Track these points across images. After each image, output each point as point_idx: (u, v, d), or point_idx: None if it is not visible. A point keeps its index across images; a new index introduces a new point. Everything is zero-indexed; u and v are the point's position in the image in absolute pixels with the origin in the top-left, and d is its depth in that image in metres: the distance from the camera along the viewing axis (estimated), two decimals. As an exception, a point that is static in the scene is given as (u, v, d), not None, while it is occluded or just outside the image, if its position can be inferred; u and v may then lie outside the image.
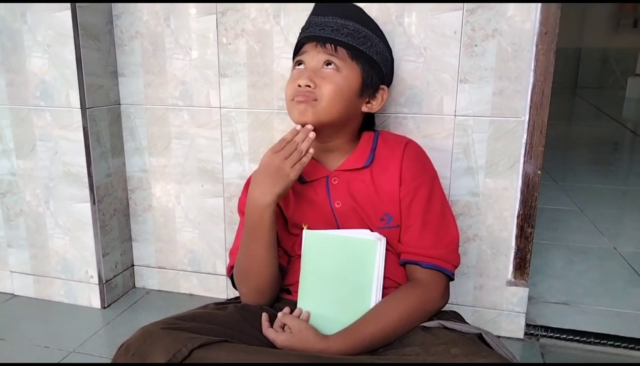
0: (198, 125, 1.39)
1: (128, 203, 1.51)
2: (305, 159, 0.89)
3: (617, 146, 4.26)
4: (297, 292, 0.94)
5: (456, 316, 0.94)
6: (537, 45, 1.13)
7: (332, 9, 0.95)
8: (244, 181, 1.09)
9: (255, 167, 1.29)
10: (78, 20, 1.27)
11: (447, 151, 1.22)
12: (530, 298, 1.32)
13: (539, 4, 1.11)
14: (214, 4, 1.29)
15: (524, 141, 1.18)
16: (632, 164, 3.61)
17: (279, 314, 0.88)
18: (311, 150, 0.89)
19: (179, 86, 1.38)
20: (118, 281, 1.50)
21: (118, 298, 1.50)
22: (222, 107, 1.36)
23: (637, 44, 7.31)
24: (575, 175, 2.94)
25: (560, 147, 3.79)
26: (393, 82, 1.16)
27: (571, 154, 3.67)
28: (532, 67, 1.14)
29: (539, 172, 1.20)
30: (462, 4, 1.14)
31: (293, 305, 0.93)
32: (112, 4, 1.37)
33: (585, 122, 5.50)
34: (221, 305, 0.95)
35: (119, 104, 1.43)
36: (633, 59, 7.34)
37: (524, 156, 1.19)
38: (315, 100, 0.90)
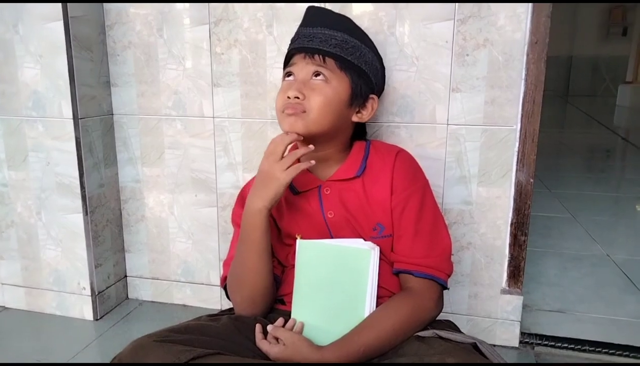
0: (191, 135, 1.39)
1: (121, 214, 1.50)
2: (303, 165, 0.88)
3: (609, 153, 4.30)
4: (291, 302, 0.94)
5: (451, 326, 0.94)
6: (527, 55, 1.14)
7: (320, 20, 0.96)
8: (238, 191, 1.09)
9: (248, 176, 1.30)
10: (70, 31, 1.27)
11: (440, 159, 1.22)
12: (524, 306, 1.32)
13: (529, 14, 1.12)
14: (207, 14, 1.30)
15: (516, 149, 1.19)
16: (624, 171, 3.64)
17: (269, 327, 0.88)
18: (312, 162, 0.90)
19: (172, 96, 1.38)
20: (111, 293, 1.48)
21: (111, 310, 1.48)
22: (215, 117, 1.36)
23: (627, 52, 7.41)
24: (568, 182, 2.96)
25: (553, 154, 3.82)
26: (386, 92, 1.17)
27: (564, 161, 3.70)
28: (523, 76, 1.15)
29: (532, 180, 1.20)
30: (453, 13, 1.15)
31: (287, 316, 0.92)
32: (105, 14, 1.37)
33: (577, 129, 5.55)
34: (214, 316, 0.94)
35: (112, 114, 1.43)
36: (623, 67, 7.45)
37: (517, 165, 1.20)
38: (304, 112, 0.90)
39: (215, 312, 1.00)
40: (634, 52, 7.18)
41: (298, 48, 0.95)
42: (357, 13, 1.19)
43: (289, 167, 0.88)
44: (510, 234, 1.24)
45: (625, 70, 7.32)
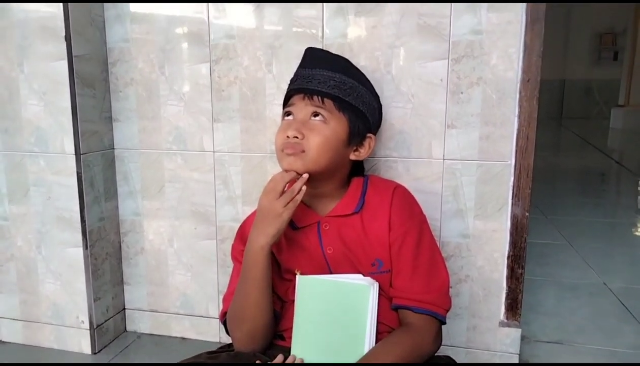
0: (191, 169, 1.41)
1: (120, 246, 1.51)
2: (298, 197, 0.90)
3: (604, 177, 4.33)
4: (290, 338, 0.94)
5: (450, 363, 0.94)
6: (520, 93, 1.18)
7: (319, 62, 0.99)
8: (237, 224, 1.10)
9: (248, 210, 1.31)
10: (74, 69, 1.29)
11: (437, 193, 1.24)
12: (523, 338, 1.32)
13: (521, 54, 1.16)
14: (209, 52, 1.33)
15: (511, 183, 1.21)
16: (619, 196, 3.67)
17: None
18: (303, 188, 0.91)
19: (173, 131, 1.40)
20: (109, 326, 1.48)
21: (109, 343, 1.48)
22: (216, 151, 1.38)
23: (618, 76, 7.53)
24: (563, 208, 2.98)
25: (548, 179, 3.84)
26: (383, 127, 1.20)
27: (559, 185, 3.72)
28: (517, 113, 1.18)
29: (527, 214, 1.22)
30: (447, 53, 1.18)
31: (287, 352, 0.93)
32: (108, 53, 1.40)
33: (572, 152, 5.60)
34: (213, 353, 0.94)
35: (113, 148, 1.45)
36: (615, 90, 7.56)
37: (512, 199, 1.22)
38: (303, 151, 0.92)
39: (214, 346, 1.00)
40: (625, 76, 7.29)
41: (297, 89, 0.98)
42: (354, 53, 1.22)
43: (288, 202, 0.89)
44: (507, 267, 1.26)
45: (618, 93, 7.43)
